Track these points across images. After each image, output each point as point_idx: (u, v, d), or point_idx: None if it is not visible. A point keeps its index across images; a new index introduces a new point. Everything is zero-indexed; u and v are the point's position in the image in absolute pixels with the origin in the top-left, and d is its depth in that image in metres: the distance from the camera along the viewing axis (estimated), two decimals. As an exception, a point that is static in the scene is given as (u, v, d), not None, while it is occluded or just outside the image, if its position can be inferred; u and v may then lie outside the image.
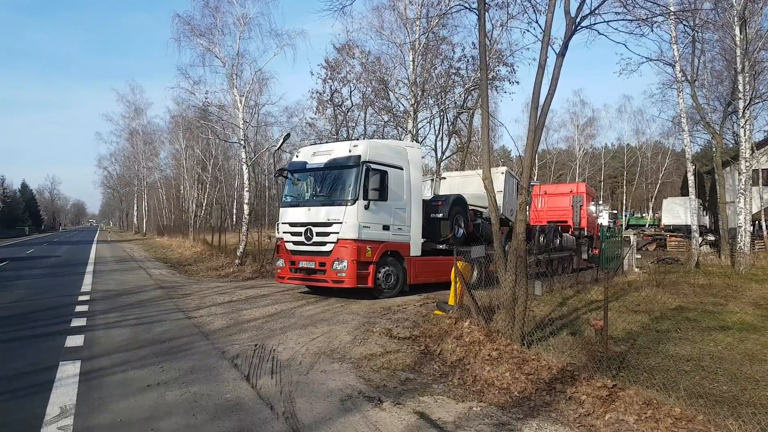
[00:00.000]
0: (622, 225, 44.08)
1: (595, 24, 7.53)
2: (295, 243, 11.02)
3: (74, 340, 7.35)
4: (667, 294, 11.62)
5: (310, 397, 5.03)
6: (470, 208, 13.70)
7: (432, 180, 17.06)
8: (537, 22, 7.84)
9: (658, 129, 51.87)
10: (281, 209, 11.93)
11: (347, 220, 10.20)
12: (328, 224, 10.43)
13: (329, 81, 23.02)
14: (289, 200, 11.67)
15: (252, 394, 5.13)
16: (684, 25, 17.73)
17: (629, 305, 10.34)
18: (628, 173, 58.66)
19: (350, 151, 10.61)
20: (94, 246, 35.68)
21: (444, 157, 25.80)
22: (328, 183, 10.96)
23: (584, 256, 18.20)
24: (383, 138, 24.35)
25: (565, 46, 7.03)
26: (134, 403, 4.84)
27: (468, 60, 20.73)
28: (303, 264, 10.87)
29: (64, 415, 4.50)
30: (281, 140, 20.94)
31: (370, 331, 7.68)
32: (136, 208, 61.91)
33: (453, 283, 8.61)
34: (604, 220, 39.51)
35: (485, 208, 13.85)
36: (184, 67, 34.59)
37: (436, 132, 24.71)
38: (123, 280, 14.78)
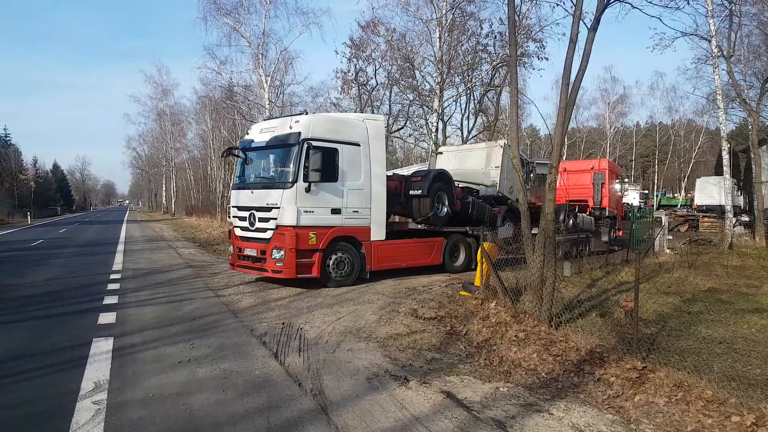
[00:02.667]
0: (653, 205, 43.08)
1: (628, -4, 7.25)
2: (242, 228, 10.19)
3: (107, 317, 7.56)
4: (700, 275, 11.33)
5: (337, 374, 5.08)
6: (462, 184, 12.97)
7: (433, 155, 16.27)
8: (568, -5, 7.59)
9: (692, 106, 50.18)
10: (232, 191, 11.21)
11: (285, 205, 9.24)
12: (268, 209, 9.53)
13: (354, 60, 22.87)
14: (237, 182, 10.89)
15: (280, 371, 5.21)
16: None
17: (660, 287, 10.11)
18: (660, 152, 57.06)
19: (291, 127, 9.53)
20: (124, 225, 36.58)
21: (470, 136, 25.46)
22: (270, 163, 10.18)
23: (605, 238, 16.64)
24: (408, 118, 24.20)
25: (597, 21, 6.78)
26: (166, 379, 4.96)
27: (495, 36, 20.33)
28: (248, 251, 10.07)
29: (98, 389, 4.64)
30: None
31: (396, 311, 7.70)
32: (164, 188, 63.05)
33: (479, 264, 8.54)
34: (635, 200, 38.68)
35: (478, 185, 13.40)
36: (211, 47, 34.91)
37: (462, 110, 24.41)
38: (153, 259, 15.11)
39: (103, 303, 8.65)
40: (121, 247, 18.97)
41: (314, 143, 9.27)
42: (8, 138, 76.66)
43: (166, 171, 58.95)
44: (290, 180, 9.24)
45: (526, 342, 5.96)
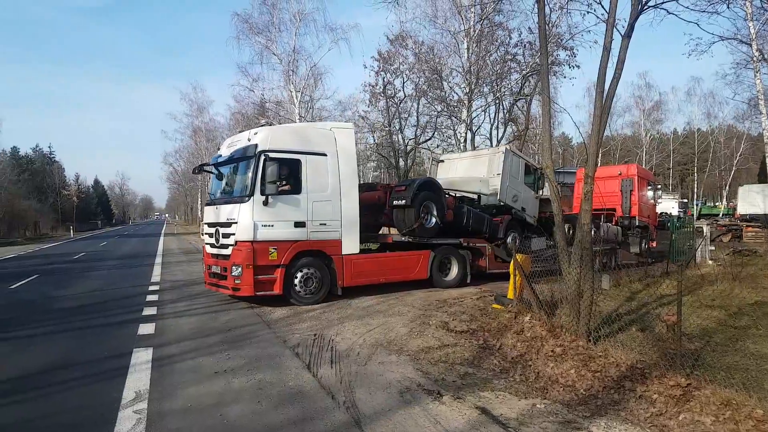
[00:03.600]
0: (693, 214, 41.70)
1: (663, 2, 7.11)
2: (211, 245, 9.88)
3: (146, 328, 7.75)
4: (745, 288, 10.86)
5: (369, 388, 5.06)
6: (459, 193, 12.46)
7: (434, 164, 15.39)
8: (600, 3, 7.50)
9: (732, 112, 48.35)
10: (204, 208, 10.95)
11: (241, 220, 8.90)
12: (228, 224, 9.23)
13: (382, 73, 23.04)
14: (209, 198, 10.71)
15: (313, 383, 5.23)
16: (761, 0, 16.43)
17: (703, 300, 9.74)
18: (699, 160, 55.31)
19: (249, 140, 9.32)
20: (161, 239, 37.55)
21: (499, 146, 25.26)
22: (232, 177, 9.84)
23: (634, 249, 15.61)
24: (436, 129, 24.20)
25: (631, 28, 6.66)
26: (203, 389, 5.04)
27: (525, 45, 20.21)
28: (214, 268, 9.74)
29: (138, 399, 4.75)
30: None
31: (426, 323, 7.65)
32: (200, 202, 64.50)
33: (512, 276, 8.41)
34: (673, 209, 37.50)
35: (476, 193, 12.78)
36: (244, 65, 35.76)
37: (492, 120, 24.25)
38: (189, 271, 15.44)
39: (143, 314, 8.88)
40: (159, 260, 19.46)
41: (272, 155, 8.93)
42: (53, 155, 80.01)
43: (201, 185, 60.32)
44: (247, 193, 8.90)
45: (563, 357, 5.81)
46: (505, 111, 24.01)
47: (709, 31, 47.14)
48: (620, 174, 16.91)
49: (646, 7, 6.74)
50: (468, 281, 11.52)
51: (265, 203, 8.85)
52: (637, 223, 16.40)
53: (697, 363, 5.75)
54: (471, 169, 13.69)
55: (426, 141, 25.44)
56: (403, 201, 10.52)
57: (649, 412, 4.45)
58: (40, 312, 9.23)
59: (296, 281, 9.36)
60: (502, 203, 12.84)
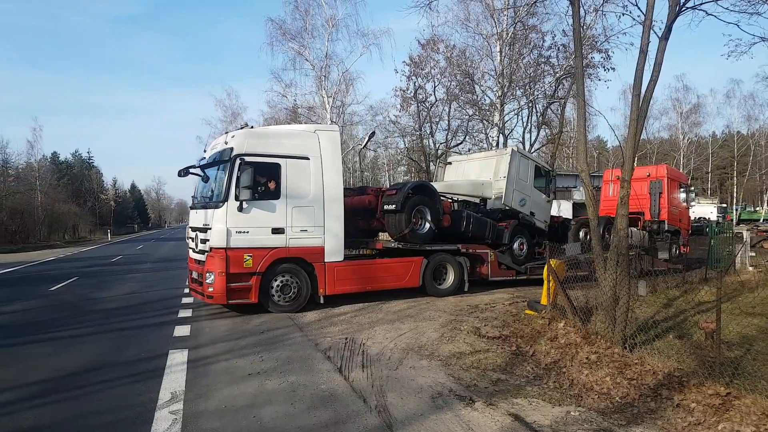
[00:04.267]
0: (732, 219, 40.30)
1: (702, 4, 6.95)
2: (192, 250, 9.74)
3: (181, 330, 7.95)
4: (789, 296, 10.45)
5: (400, 392, 5.07)
6: (460, 197, 12.14)
7: (441, 166, 14.76)
8: (636, 4, 7.39)
9: (774, 115, 46.72)
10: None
11: (215, 226, 8.66)
12: (204, 230, 9.04)
13: (413, 77, 23.12)
14: (192, 202, 10.50)
15: (345, 386, 5.27)
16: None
17: (743, 307, 9.41)
18: (738, 163, 53.54)
19: (226, 143, 9.07)
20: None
21: (533, 149, 24.96)
22: (212, 182, 9.47)
23: (663, 255, 14.61)
24: (467, 132, 24.12)
25: (668, 29, 6.53)
26: (237, 391, 5.14)
27: (558, 48, 20.03)
28: (194, 274, 9.61)
29: (174, 400, 4.88)
30: (366, 139, 21.32)
31: (458, 329, 7.62)
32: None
33: (546, 281, 8.30)
34: (712, 213, 36.32)
35: (477, 197, 12.35)
36: (277, 71, 36.37)
37: (524, 124, 24.08)
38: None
39: (178, 316, 9.11)
40: (192, 263, 19.83)
41: (248, 159, 8.68)
42: (91, 160, 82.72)
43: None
44: (221, 199, 8.68)
45: (598, 364, 5.71)
46: (539, 114, 23.80)
47: (750, 32, 45.55)
48: (649, 175, 16.01)
49: (684, 8, 6.60)
50: (466, 289, 11.11)
51: (240, 209, 8.63)
52: (666, 228, 15.51)
53: (736, 372, 5.58)
54: (479, 171, 13.09)
55: (457, 145, 25.38)
56: (393, 206, 10.00)
57: (687, 422, 4.34)
58: (80, 313, 9.55)
59: (273, 289, 9.13)
60: (507, 207, 12.26)
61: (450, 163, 14.51)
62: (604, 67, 20.13)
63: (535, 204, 12.93)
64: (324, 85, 22.88)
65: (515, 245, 12.05)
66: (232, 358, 6.34)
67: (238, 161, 8.61)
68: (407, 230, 10.00)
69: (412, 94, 23.56)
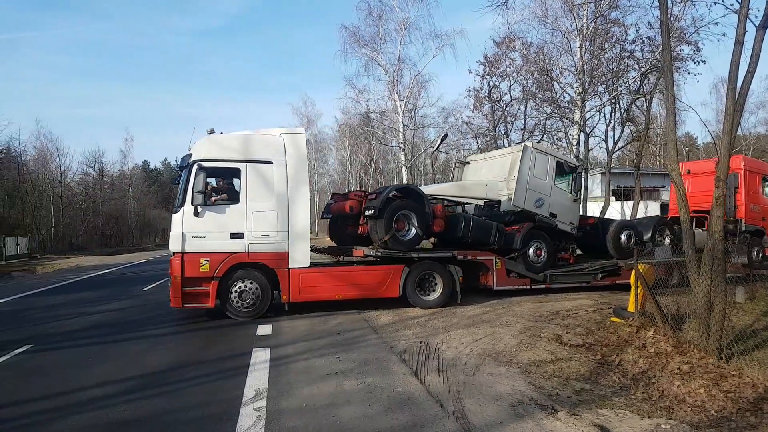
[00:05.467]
0: None
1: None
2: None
3: (264, 329, 8.28)
4: None
5: (478, 398, 4.98)
6: (458, 198, 11.22)
7: (459, 167, 13.64)
8: (730, -7, 6.83)
9: None
10: None
11: (173, 230, 8.85)
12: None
13: (487, 77, 22.74)
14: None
15: (421, 390, 5.25)
16: None
17: None
18: None
19: (189, 149, 9.17)
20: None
21: (617, 148, 23.73)
22: (179, 187, 9.53)
23: (741, 259, 13.02)
24: (545, 131, 23.38)
25: (766, 18, 5.98)
26: (316, 390, 5.27)
27: (643, 41, 18.96)
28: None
29: (258, 397, 5.06)
30: (438, 141, 21.19)
31: (537, 336, 7.36)
32: (309, 210, 67.71)
33: (633, 287, 7.85)
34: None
35: (480, 199, 11.41)
36: (350, 78, 37.24)
37: (607, 121, 22.94)
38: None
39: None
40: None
41: (206, 164, 8.82)
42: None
43: (310, 194, 63.33)
44: (179, 204, 8.90)
45: (691, 375, 5.33)
46: (623, 111, 22.59)
47: None
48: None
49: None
50: (458, 301, 10.12)
51: (196, 213, 8.72)
52: (743, 228, 13.47)
53: None
54: (497, 171, 11.98)
55: (534, 145, 24.61)
56: (372, 211, 9.47)
57: (799, 443, 3.93)
58: (170, 312, 10.05)
59: (232, 294, 9.06)
60: (519, 209, 11.18)
61: (468, 162, 13.35)
62: (693, 60, 18.87)
63: (557, 204, 11.69)
64: (396, 89, 23.07)
65: (530, 251, 11.01)
66: (311, 358, 6.52)
67: (195, 167, 8.75)
68: (388, 236, 9.44)
69: (486, 94, 23.18)
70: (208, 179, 9.02)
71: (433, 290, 10.11)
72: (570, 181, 12.02)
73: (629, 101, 21.88)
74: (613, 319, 7.98)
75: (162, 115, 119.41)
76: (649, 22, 18.47)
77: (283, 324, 8.72)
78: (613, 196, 20.18)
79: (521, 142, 22.84)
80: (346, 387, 5.35)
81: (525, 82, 21.86)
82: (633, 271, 7.82)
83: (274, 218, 9.15)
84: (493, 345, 6.98)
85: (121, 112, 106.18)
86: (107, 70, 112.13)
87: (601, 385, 5.42)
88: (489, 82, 22.95)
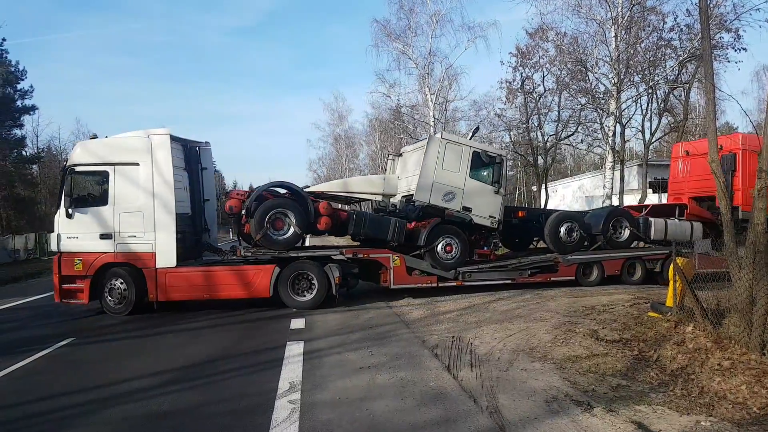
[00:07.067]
0: None
1: None
2: None
3: (297, 323, 8.42)
4: None
5: (512, 394, 4.95)
6: (344, 194, 11.11)
7: (391, 159, 12.95)
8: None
9: None
10: None
11: (54, 231, 9.51)
12: None
13: (520, 68, 22.37)
14: None
15: (454, 385, 5.25)
16: None
17: None
18: None
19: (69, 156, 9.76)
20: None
21: (653, 138, 23.02)
22: None
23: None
24: (579, 123, 22.89)
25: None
26: (349, 383, 5.34)
27: (681, 29, 18.31)
28: None
29: (292, 390, 5.16)
30: (470, 134, 20.98)
31: (572, 331, 7.26)
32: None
33: (671, 282, 7.65)
34: None
35: (374, 195, 11.15)
36: (381, 72, 37.17)
37: (643, 111, 22.31)
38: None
39: (294, 310, 9.59)
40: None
41: (78, 168, 9.41)
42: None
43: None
44: (57, 206, 9.52)
45: (732, 371, 5.17)
46: (660, 101, 21.90)
47: None
48: (722, 149, 11.12)
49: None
50: (335, 303, 9.82)
51: (68, 216, 9.29)
52: (740, 217, 11.33)
53: None
54: (412, 163, 11.40)
55: (568, 137, 24.13)
56: (243, 210, 9.56)
57: None
58: (207, 306, 10.25)
59: (106, 292, 9.54)
60: (418, 203, 10.57)
61: (401, 154, 12.56)
62: (734, 47, 18.10)
63: (472, 197, 10.93)
64: (427, 83, 22.91)
65: (439, 247, 10.51)
66: (344, 351, 6.60)
67: (68, 171, 9.40)
68: (260, 236, 9.41)
69: (518, 86, 22.80)
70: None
71: (309, 291, 9.84)
72: (490, 172, 11.26)
73: (667, 91, 21.20)
74: (651, 314, 7.80)
75: (197, 113, 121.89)
76: (687, 9, 17.84)
77: (316, 318, 8.85)
78: (650, 188, 19.55)
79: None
80: (378, 381, 5.40)
81: (559, 72, 21.41)
82: (671, 266, 7.63)
83: (140, 219, 9.45)
84: (527, 340, 6.92)
85: (158, 111, 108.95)
86: (144, 68, 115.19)
87: (639, 381, 5.32)
88: (522, 73, 22.57)
